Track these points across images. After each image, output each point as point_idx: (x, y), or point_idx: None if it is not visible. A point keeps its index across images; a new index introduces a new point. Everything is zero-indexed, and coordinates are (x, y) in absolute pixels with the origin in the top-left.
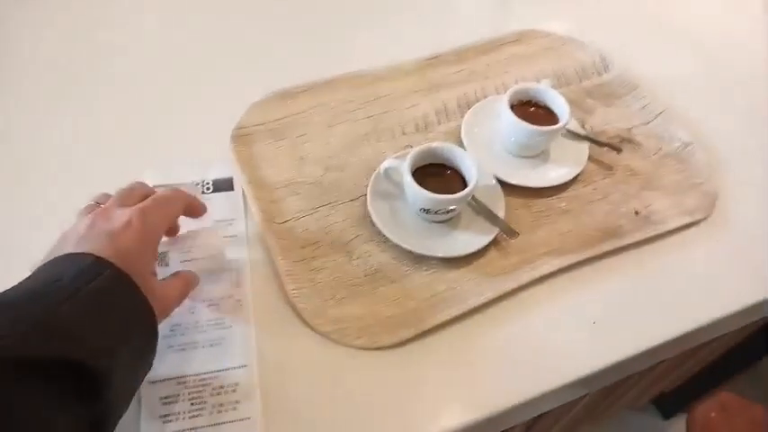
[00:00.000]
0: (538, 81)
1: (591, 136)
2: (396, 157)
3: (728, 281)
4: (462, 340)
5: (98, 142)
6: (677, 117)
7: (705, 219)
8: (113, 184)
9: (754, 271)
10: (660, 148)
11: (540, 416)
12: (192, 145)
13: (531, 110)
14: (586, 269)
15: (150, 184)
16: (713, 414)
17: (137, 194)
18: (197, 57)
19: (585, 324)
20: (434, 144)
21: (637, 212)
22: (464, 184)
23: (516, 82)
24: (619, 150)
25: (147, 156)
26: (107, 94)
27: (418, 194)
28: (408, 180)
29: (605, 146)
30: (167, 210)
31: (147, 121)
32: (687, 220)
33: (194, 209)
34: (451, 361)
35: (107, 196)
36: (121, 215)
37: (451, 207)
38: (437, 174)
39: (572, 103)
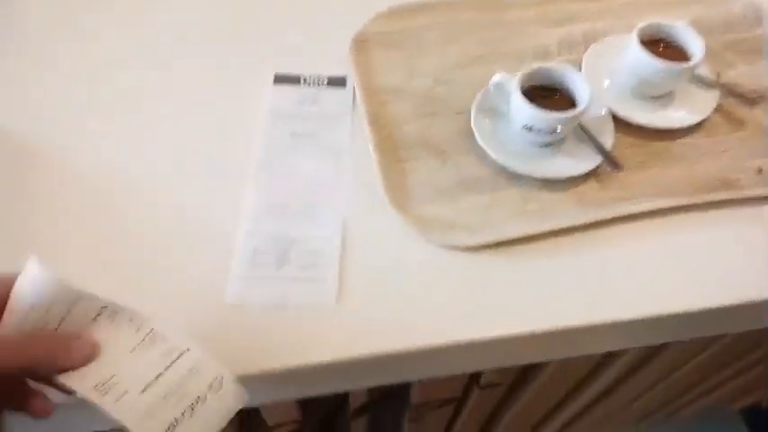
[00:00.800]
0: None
1: (721, 84)
2: (504, 73)
3: None
4: (542, 258)
5: (227, 30)
6: None
7: None
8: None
9: None
10: None
11: (621, 380)
12: (317, 45)
13: (661, 49)
14: (691, 215)
15: (274, 72)
16: None
17: None
18: None
19: (676, 267)
20: (549, 64)
21: (760, 170)
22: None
23: None
24: (753, 104)
25: (275, 48)
26: None
27: (523, 109)
28: (515, 94)
29: (738, 97)
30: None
31: (280, 18)
32: None
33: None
34: (527, 275)
35: None
36: None
37: (556, 127)
38: (546, 96)
39: (709, 52)
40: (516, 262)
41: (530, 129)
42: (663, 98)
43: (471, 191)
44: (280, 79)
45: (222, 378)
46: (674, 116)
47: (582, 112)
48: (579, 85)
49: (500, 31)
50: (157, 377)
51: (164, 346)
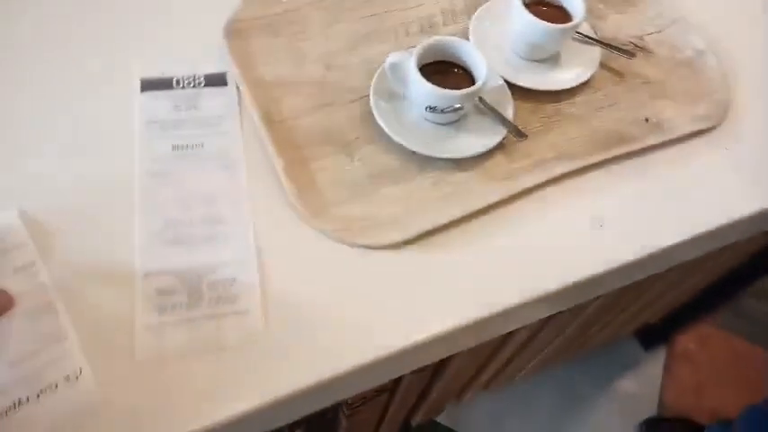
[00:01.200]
0: None
1: (601, 40)
2: (399, 53)
3: (735, 189)
4: (467, 241)
5: (85, 32)
6: (692, 25)
7: (715, 127)
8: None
9: (762, 180)
10: (673, 57)
11: (536, 333)
12: (183, 38)
13: (544, 9)
14: (593, 174)
15: (140, 77)
16: (692, 345)
17: None
18: None
19: (590, 227)
20: (442, 38)
21: (647, 120)
22: (472, 84)
23: None
24: (631, 56)
25: (136, 48)
26: None
27: (425, 90)
28: (414, 74)
29: (617, 51)
30: None
31: (136, 11)
32: (697, 127)
33: None
34: (455, 260)
35: None
36: None
37: (458, 105)
38: (443, 71)
39: None
40: (440, 251)
41: (432, 109)
42: (550, 60)
43: (384, 183)
44: (148, 85)
45: (81, 372)
46: (565, 77)
47: (482, 86)
48: (474, 57)
49: (380, 4)
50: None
51: (50, 325)
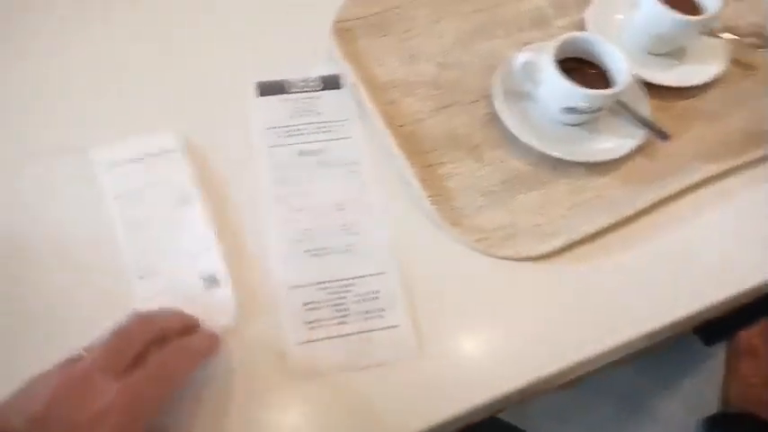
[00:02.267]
0: None
1: (729, 31)
2: (530, 50)
3: None
4: (615, 251)
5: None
6: None
7: None
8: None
9: None
10: None
11: None
12: (292, 42)
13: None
14: (728, 180)
15: (254, 81)
16: (756, 341)
17: (134, 345)
18: None
19: (741, 238)
20: (580, 34)
21: None
22: (606, 82)
23: None
24: (760, 47)
25: (248, 56)
26: None
27: (565, 89)
28: (553, 73)
29: (750, 43)
30: (168, 386)
31: (244, 20)
32: None
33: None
34: (605, 273)
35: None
36: (100, 395)
37: (600, 105)
38: (576, 70)
39: None
40: (588, 262)
41: (571, 110)
42: (674, 53)
43: (518, 189)
44: (265, 89)
45: None
46: (695, 72)
47: (626, 86)
48: (613, 54)
49: None
50: None
51: None
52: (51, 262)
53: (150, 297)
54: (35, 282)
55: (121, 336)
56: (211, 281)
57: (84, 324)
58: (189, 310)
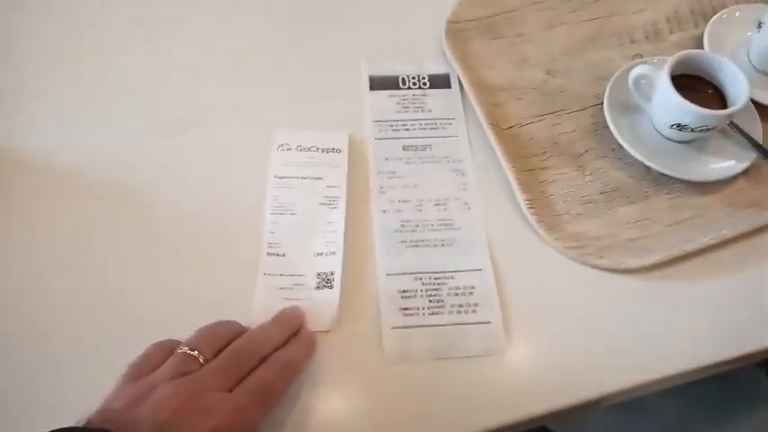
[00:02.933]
0: None
1: None
2: (645, 63)
3: None
4: (710, 273)
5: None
6: None
7: None
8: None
9: None
10: None
11: None
12: (404, 38)
13: None
14: None
15: (367, 76)
16: None
17: (245, 365)
18: None
19: None
20: (699, 52)
21: None
22: (721, 102)
23: None
24: None
25: (361, 47)
26: None
27: (678, 106)
28: (667, 89)
29: None
30: (269, 403)
31: (359, 13)
32: None
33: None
34: (702, 293)
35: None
36: (217, 412)
37: (713, 125)
38: (689, 86)
39: None
40: (685, 280)
41: (682, 127)
42: None
43: (618, 201)
44: (376, 84)
45: None
46: None
47: (742, 106)
48: (732, 77)
49: (601, 7)
50: None
51: None
52: (195, 223)
53: (271, 275)
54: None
55: (236, 355)
56: (326, 281)
57: (217, 286)
58: (297, 303)
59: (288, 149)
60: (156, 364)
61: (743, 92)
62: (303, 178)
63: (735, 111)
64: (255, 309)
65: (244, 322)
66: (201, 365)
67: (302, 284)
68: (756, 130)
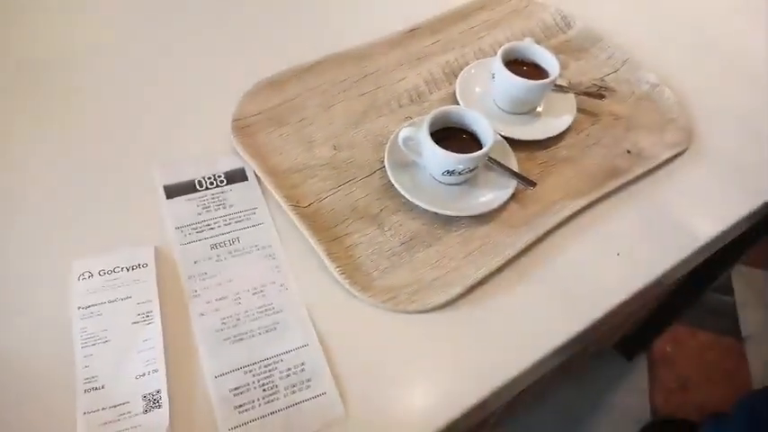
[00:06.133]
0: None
1: (572, 87)
2: (408, 126)
3: (723, 198)
4: (505, 289)
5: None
6: (641, 63)
7: (686, 150)
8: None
9: (739, 186)
10: (633, 92)
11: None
12: (193, 142)
13: (524, 68)
14: (597, 207)
15: (161, 186)
16: (669, 347)
17: None
18: (179, 54)
19: (610, 257)
20: (447, 108)
21: (629, 151)
22: (477, 144)
23: (491, 46)
24: (602, 97)
25: (151, 156)
26: (93, 94)
27: (441, 157)
28: (430, 144)
29: (589, 95)
30: None
31: (143, 122)
32: (672, 152)
33: None
34: (501, 309)
35: None
36: None
37: (474, 166)
38: (449, 137)
39: None
40: (485, 303)
41: (450, 173)
42: (531, 111)
43: (417, 248)
44: (172, 191)
45: None
46: (552, 124)
47: (492, 146)
48: (479, 121)
49: (368, 82)
50: None
51: None
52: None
53: (92, 412)
54: None
55: None
56: (153, 401)
57: None
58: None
59: (89, 276)
60: None
61: (489, 133)
62: (111, 302)
63: (486, 151)
64: None
65: None
66: None
67: (129, 412)
68: (512, 161)
